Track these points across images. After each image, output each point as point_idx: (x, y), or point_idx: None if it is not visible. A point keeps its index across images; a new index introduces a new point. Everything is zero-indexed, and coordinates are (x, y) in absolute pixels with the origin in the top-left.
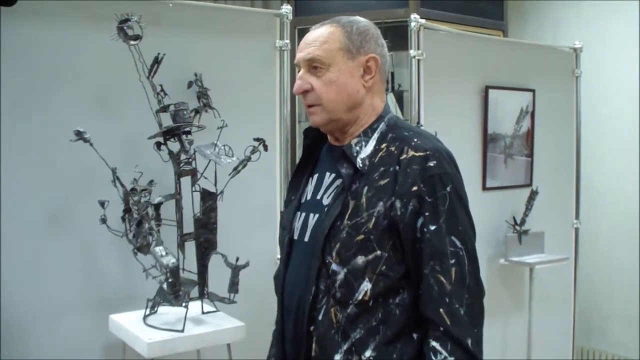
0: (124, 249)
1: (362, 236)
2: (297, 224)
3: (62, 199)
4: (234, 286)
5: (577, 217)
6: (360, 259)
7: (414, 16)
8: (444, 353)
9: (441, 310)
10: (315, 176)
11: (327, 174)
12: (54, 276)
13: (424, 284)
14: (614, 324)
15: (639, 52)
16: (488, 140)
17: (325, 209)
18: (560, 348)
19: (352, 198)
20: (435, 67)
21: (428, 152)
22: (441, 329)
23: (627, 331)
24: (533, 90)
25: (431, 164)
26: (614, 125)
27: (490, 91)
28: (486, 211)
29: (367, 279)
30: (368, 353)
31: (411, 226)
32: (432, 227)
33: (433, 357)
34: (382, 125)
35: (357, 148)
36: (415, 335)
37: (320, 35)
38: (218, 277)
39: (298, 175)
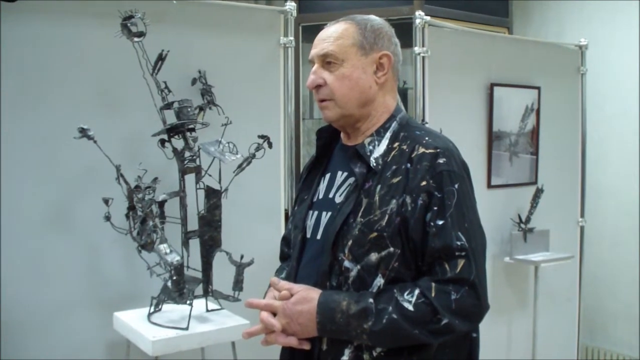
0: (128, 247)
1: (375, 234)
2: (310, 223)
3: (65, 196)
4: (238, 284)
5: (582, 215)
6: (374, 256)
7: (419, 13)
8: (413, 298)
9: (433, 284)
10: (327, 175)
11: (339, 172)
12: (58, 274)
13: (431, 271)
14: (618, 323)
15: None
16: (493, 138)
17: (338, 206)
18: (565, 346)
19: (365, 196)
20: (440, 65)
21: (438, 150)
22: (419, 289)
23: (631, 330)
24: (538, 88)
25: (441, 160)
26: (619, 123)
27: (496, 88)
28: (491, 209)
29: (380, 275)
30: (378, 349)
31: (421, 222)
32: (440, 222)
33: (405, 293)
34: (394, 124)
35: (370, 147)
36: None
37: (335, 32)
38: (222, 274)
39: (311, 175)
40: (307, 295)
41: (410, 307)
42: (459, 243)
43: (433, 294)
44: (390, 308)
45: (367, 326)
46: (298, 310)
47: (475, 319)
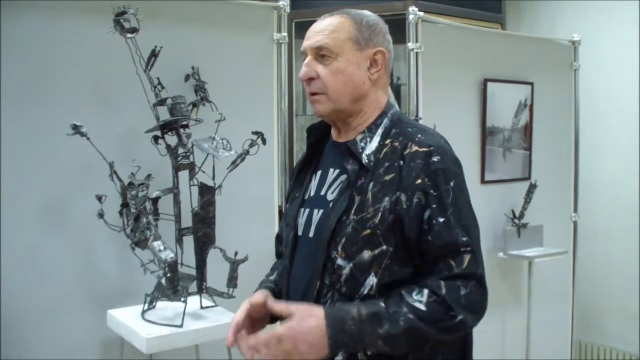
0: (122, 244)
1: (368, 231)
2: (302, 220)
3: (59, 193)
4: (232, 281)
5: (575, 210)
6: (367, 254)
7: (412, 9)
8: (424, 298)
9: (442, 282)
10: (319, 172)
11: (331, 170)
12: (51, 271)
13: (435, 269)
14: (612, 318)
15: (638, 45)
16: (487, 133)
17: (330, 204)
18: (559, 341)
19: (357, 193)
20: (433, 60)
21: (432, 148)
22: (429, 288)
23: (625, 325)
24: (531, 83)
25: (435, 159)
26: (612, 119)
27: (489, 84)
28: (485, 205)
29: (372, 274)
30: None
31: (417, 219)
32: (441, 220)
33: (414, 294)
34: (385, 121)
35: (362, 144)
36: None
37: (330, 25)
38: (216, 271)
39: (302, 172)
40: (311, 311)
41: (423, 307)
42: (464, 239)
43: (444, 291)
44: (404, 309)
45: (382, 331)
46: (305, 327)
47: (482, 313)
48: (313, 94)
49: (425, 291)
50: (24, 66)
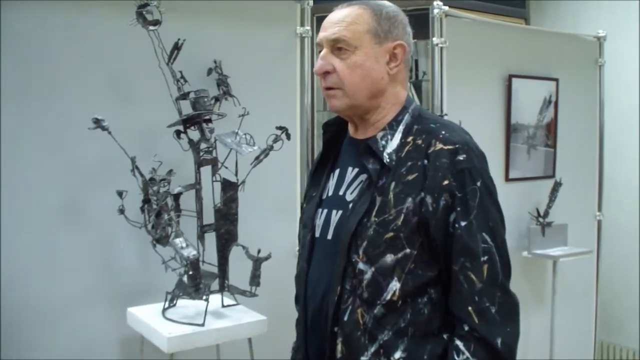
0: (143, 241)
1: (391, 234)
2: (319, 221)
3: (79, 189)
4: (255, 279)
5: (599, 209)
6: (389, 258)
7: (437, 3)
8: (467, 353)
9: (470, 308)
10: (337, 171)
11: (350, 168)
12: (72, 268)
13: (454, 281)
14: (635, 319)
15: None
16: (511, 130)
17: (350, 205)
18: (582, 342)
19: (379, 194)
20: (457, 56)
21: (457, 146)
22: (466, 328)
23: None
24: (556, 80)
25: (461, 157)
26: (637, 116)
27: (514, 80)
28: (509, 202)
29: (395, 279)
30: (397, 355)
31: (443, 222)
32: (463, 223)
33: (455, 357)
34: (407, 117)
35: (383, 142)
36: (445, 336)
37: (348, 16)
38: (238, 269)
39: (318, 171)
40: None
41: None
42: (483, 245)
43: (477, 321)
44: None
45: None
46: None
47: (518, 314)
48: (329, 88)
49: (460, 346)
50: (44, 60)
